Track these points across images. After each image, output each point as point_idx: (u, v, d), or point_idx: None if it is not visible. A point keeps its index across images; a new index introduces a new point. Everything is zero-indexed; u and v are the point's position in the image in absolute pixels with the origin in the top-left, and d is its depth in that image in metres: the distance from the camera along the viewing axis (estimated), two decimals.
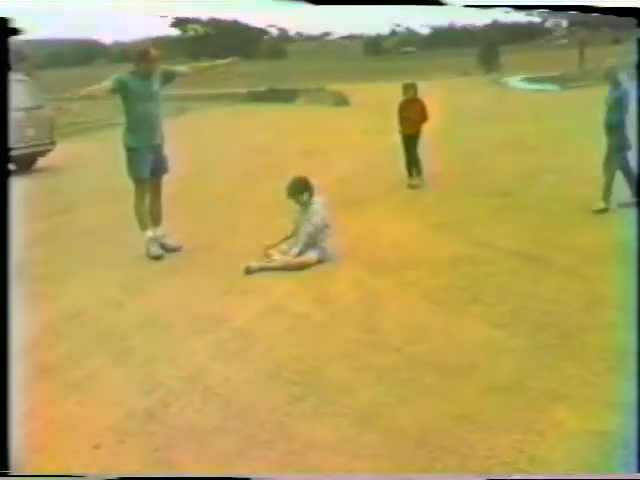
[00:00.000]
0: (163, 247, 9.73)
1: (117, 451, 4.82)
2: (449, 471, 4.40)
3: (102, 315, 7.54)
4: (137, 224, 9.71)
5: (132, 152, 9.58)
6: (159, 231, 9.82)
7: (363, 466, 4.49)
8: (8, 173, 4.39)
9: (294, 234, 9.19)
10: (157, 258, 9.46)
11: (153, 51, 9.67)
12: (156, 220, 9.83)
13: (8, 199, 4.20)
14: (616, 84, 10.94)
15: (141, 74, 9.51)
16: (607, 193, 10.86)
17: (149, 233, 9.68)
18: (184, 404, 5.42)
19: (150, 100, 9.55)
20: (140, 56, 9.58)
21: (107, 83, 9.45)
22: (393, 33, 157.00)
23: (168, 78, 9.86)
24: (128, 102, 9.51)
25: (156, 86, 9.62)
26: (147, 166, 9.61)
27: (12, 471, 4.12)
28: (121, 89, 9.40)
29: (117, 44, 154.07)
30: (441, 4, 4.81)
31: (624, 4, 4.72)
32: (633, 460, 4.37)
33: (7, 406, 4.05)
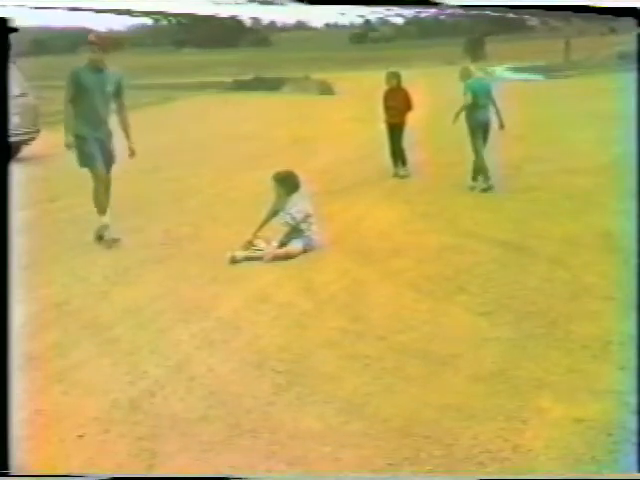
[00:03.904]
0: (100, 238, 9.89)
1: (102, 440, 4.81)
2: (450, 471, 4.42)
3: (87, 304, 7.50)
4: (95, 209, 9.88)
5: (81, 141, 9.64)
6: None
7: (348, 455, 4.49)
8: (8, 160, 4.36)
9: (268, 219, 9.25)
10: (114, 242, 9.69)
11: (97, 40, 9.63)
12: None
13: (8, 188, 4.17)
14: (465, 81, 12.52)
15: (92, 66, 9.60)
16: (484, 173, 12.27)
17: (105, 219, 9.82)
18: (169, 393, 5.40)
19: (99, 95, 9.62)
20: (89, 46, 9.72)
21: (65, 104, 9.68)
22: (379, 22, 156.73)
23: (118, 91, 9.89)
24: (78, 93, 9.56)
25: (109, 87, 9.71)
26: (97, 155, 9.69)
27: (12, 471, 4.11)
28: (73, 83, 9.52)
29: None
30: (436, 4, 4.80)
31: (623, 4, 4.72)
32: (616, 448, 4.39)
33: (7, 407, 4.02)
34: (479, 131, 12.33)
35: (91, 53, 9.58)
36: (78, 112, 9.64)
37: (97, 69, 9.57)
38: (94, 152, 9.64)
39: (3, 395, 4.03)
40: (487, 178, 12.18)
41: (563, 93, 30.47)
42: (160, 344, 6.35)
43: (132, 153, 9.95)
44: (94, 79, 9.54)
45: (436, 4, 4.81)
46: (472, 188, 12.28)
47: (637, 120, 7.38)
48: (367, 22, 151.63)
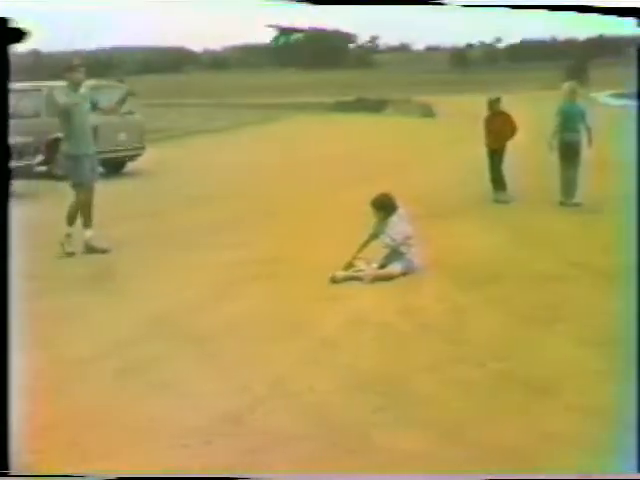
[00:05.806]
0: (91, 249, 10.24)
1: (203, 452, 4.86)
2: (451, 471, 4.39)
3: (187, 318, 7.63)
4: (65, 220, 10.29)
5: (72, 160, 10.20)
6: (89, 232, 10.36)
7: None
8: (9, 175, 4.42)
9: (368, 242, 9.25)
10: (69, 255, 10.07)
11: (82, 62, 10.37)
12: (88, 222, 10.40)
13: (8, 204, 4.23)
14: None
15: (70, 85, 10.19)
16: (570, 191, 13.36)
17: (69, 230, 10.26)
18: (268, 409, 5.45)
19: (80, 111, 10.12)
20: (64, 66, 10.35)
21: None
22: (479, 45, 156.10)
23: (94, 105, 10.48)
24: (60, 113, 10.17)
25: (87, 102, 10.27)
26: (88, 172, 10.27)
27: (12, 471, 4.16)
28: (51, 103, 10.09)
29: (206, 51, 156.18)
30: (441, 4, 4.76)
31: (626, 4, 4.63)
32: None
33: (7, 407, 4.07)
34: (566, 152, 13.30)
35: (76, 74, 10.17)
36: (67, 131, 10.24)
37: (76, 89, 10.20)
38: (85, 168, 10.23)
39: (3, 396, 4.08)
40: (571, 196, 13.29)
41: None
42: (260, 360, 6.42)
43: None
44: (73, 96, 10.12)
45: (438, 4, 4.76)
46: (562, 203, 13.24)
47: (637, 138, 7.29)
48: (468, 45, 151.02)
